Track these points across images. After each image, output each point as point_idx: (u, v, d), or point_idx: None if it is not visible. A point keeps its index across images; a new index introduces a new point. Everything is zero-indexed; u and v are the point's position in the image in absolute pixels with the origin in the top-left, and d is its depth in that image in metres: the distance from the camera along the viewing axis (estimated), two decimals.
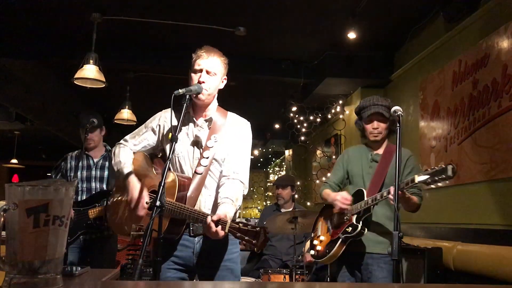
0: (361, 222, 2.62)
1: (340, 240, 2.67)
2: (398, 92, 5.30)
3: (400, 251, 2.17)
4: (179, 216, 1.99)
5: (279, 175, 10.26)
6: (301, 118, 6.74)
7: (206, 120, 2.21)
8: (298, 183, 7.79)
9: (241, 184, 2.12)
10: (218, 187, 2.15)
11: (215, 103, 2.26)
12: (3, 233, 1.00)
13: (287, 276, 3.87)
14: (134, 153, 2.27)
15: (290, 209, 4.60)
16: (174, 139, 1.92)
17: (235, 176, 2.11)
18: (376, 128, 2.77)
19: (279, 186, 4.78)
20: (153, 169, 2.25)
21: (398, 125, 2.35)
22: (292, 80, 6.02)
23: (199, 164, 2.13)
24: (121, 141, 2.32)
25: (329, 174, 3.09)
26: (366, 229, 2.61)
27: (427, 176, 2.29)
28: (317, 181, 7.24)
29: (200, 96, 2.12)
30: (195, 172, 2.13)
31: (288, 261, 4.47)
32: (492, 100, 3.46)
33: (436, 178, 2.26)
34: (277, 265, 4.51)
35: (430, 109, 4.41)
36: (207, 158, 2.14)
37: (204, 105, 2.20)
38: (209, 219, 1.88)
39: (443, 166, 2.26)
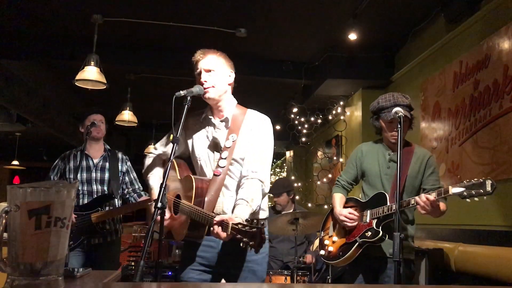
0: (381, 228, 2.49)
1: (357, 244, 2.55)
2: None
3: (402, 252, 2.16)
4: (195, 218, 1.99)
5: (280, 177, 10.26)
6: (302, 119, 6.74)
7: (222, 121, 2.20)
8: (299, 184, 7.79)
9: (259, 183, 2.06)
10: (238, 187, 2.12)
11: (230, 101, 2.23)
12: (5, 234, 1.00)
13: (288, 278, 3.86)
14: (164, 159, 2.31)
15: (291, 211, 4.59)
16: (175, 141, 1.92)
17: (253, 176, 2.06)
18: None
19: (274, 195, 4.75)
20: (177, 173, 2.26)
21: (399, 126, 2.34)
22: (293, 82, 6.03)
23: (217, 166, 2.12)
24: (151, 150, 2.37)
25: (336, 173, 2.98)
26: (387, 236, 2.47)
27: (463, 189, 2.18)
28: (318, 182, 7.24)
29: (207, 95, 2.11)
30: (214, 174, 2.12)
31: (289, 262, 4.46)
32: (493, 101, 3.46)
33: (473, 192, 2.15)
34: (278, 267, 4.50)
35: (431, 110, 4.41)
36: (225, 159, 2.12)
37: (218, 104, 2.18)
38: (216, 219, 1.87)
39: (481, 180, 2.14)
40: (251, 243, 1.74)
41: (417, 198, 2.34)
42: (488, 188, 2.11)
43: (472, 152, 3.72)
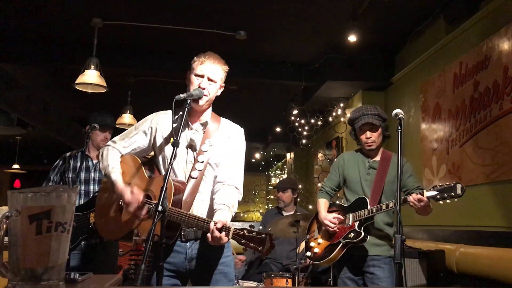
0: (363, 229, 2.69)
1: (341, 244, 2.74)
2: (399, 94, 5.30)
3: (403, 254, 2.17)
4: (176, 221, 1.98)
5: (281, 178, 10.25)
6: (302, 121, 6.75)
7: (201, 124, 2.21)
8: (300, 186, 7.79)
9: (236, 190, 2.12)
10: (212, 192, 2.14)
11: (210, 109, 2.26)
12: (6, 239, 1.00)
13: (289, 280, 3.85)
14: (122, 155, 2.22)
15: (292, 212, 4.57)
16: (175, 144, 1.91)
17: (230, 182, 2.11)
18: (369, 137, 2.83)
19: (279, 190, 4.77)
20: (144, 172, 2.20)
21: (399, 128, 2.36)
22: (293, 83, 6.03)
23: (193, 169, 2.12)
24: (109, 143, 2.26)
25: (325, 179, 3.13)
26: (368, 237, 2.68)
27: (436, 192, 2.37)
28: (319, 184, 7.23)
29: (200, 101, 2.11)
30: (190, 176, 2.11)
31: (288, 265, 4.45)
32: (493, 102, 3.46)
33: (445, 195, 2.34)
34: (278, 269, 4.48)
35: (431, 111, 4.41)
36: (202, 162, 2.13)
37: (201, 110, 2.20)
38: (212, 225, 1.87)
39: (452, 184, 2.33)
40: (259, 248, 1.81)
41: (409, 197, 2.51)
42: (458, 191, 2.32)
43: (472, 153, 3.71)
